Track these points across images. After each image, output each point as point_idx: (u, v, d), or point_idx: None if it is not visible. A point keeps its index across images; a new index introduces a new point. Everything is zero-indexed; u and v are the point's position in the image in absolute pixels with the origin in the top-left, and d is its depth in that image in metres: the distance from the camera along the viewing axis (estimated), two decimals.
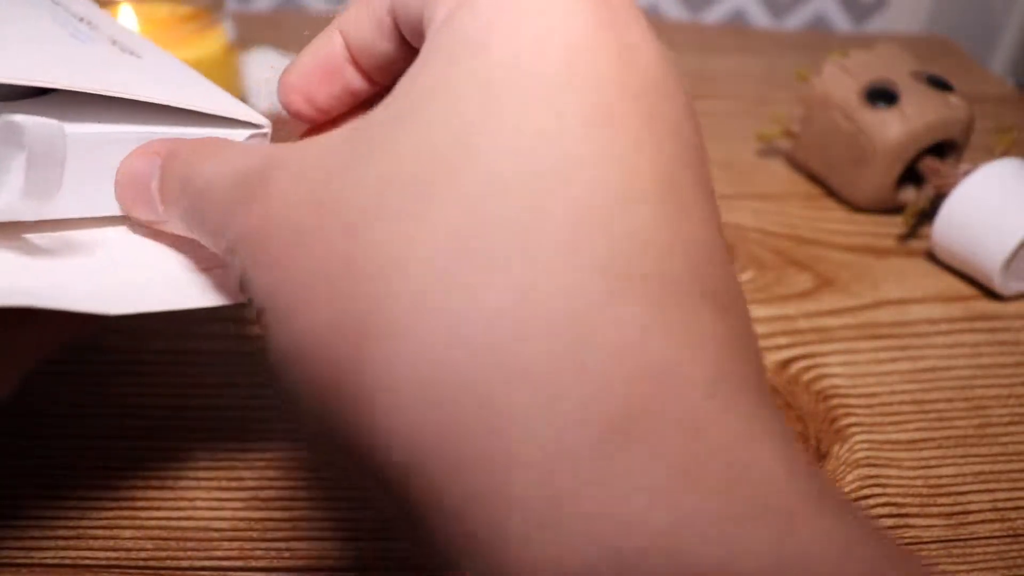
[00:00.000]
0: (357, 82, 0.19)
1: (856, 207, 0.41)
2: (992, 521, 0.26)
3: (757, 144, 0.47)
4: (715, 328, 0.13)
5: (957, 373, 0.32)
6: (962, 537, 0.26)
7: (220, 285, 0.19)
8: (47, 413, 0.27)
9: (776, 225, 0.40)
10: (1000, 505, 0.27)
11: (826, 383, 0.31)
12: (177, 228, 0.19)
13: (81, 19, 0.23)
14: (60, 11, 0.23)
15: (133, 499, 0.25)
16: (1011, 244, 0.34)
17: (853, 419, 0.29)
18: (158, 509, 0.24)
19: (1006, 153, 0.37)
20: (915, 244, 0.39)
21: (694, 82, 0.55)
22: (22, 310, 0.16)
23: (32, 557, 0.23)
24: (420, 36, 0.16)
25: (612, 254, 0.13)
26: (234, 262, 0.16)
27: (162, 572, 0.23)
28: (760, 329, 0.33)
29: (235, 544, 0.24)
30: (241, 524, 0.24)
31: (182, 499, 0.25)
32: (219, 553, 0.23)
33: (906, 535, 0.26)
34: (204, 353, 0.30)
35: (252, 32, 0.58)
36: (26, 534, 0.23)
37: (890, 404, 0.30)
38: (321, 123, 0.20)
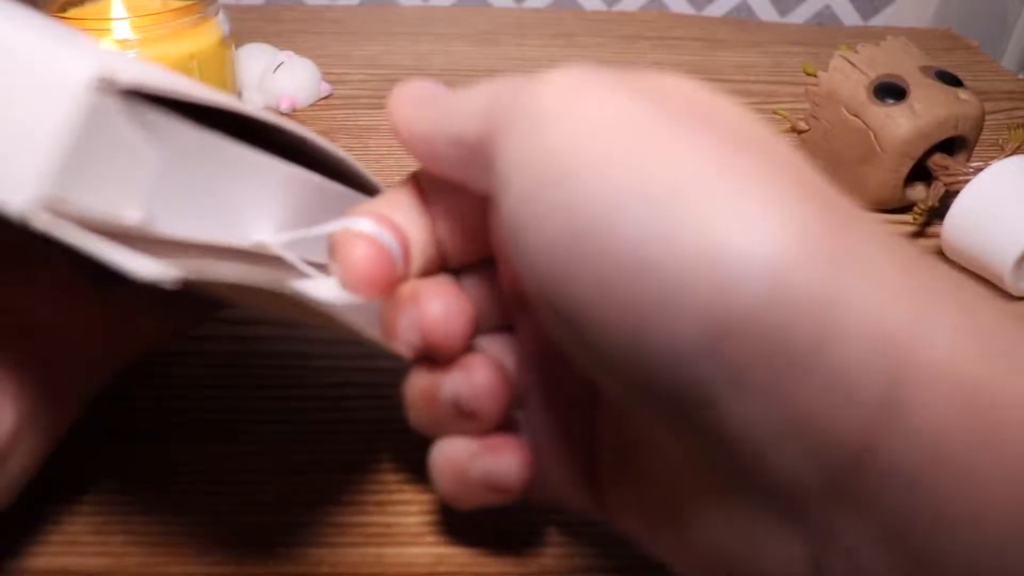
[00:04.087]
0: None
1: (864, 205, 0.40)
2: None
3: None
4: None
5: None
6: None
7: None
8: None
9: None
10: None
11: None
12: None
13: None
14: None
15: (124, 504, 0.24)
16: (1023, 243, 0.33)
17: None
18: (148, 514, 0.24)
19: (1018, 150, 0.37)
20: (924, 243, 0.38)
21: (699, 76, 0.54)
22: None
23: (22, 564, 0.22)
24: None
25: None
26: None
27: None
28: None
29: (228, 549, 0.23)
30: (234, 529, 0.24)
31: (173, 504, 0.24)
32: (211, 559, 0.23)
33: None
34: (197, 354, 0.29)
35: (246, 26, 0.57)
36: (15, 540, 0.23)
37: None
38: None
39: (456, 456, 0.21)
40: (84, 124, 0.14)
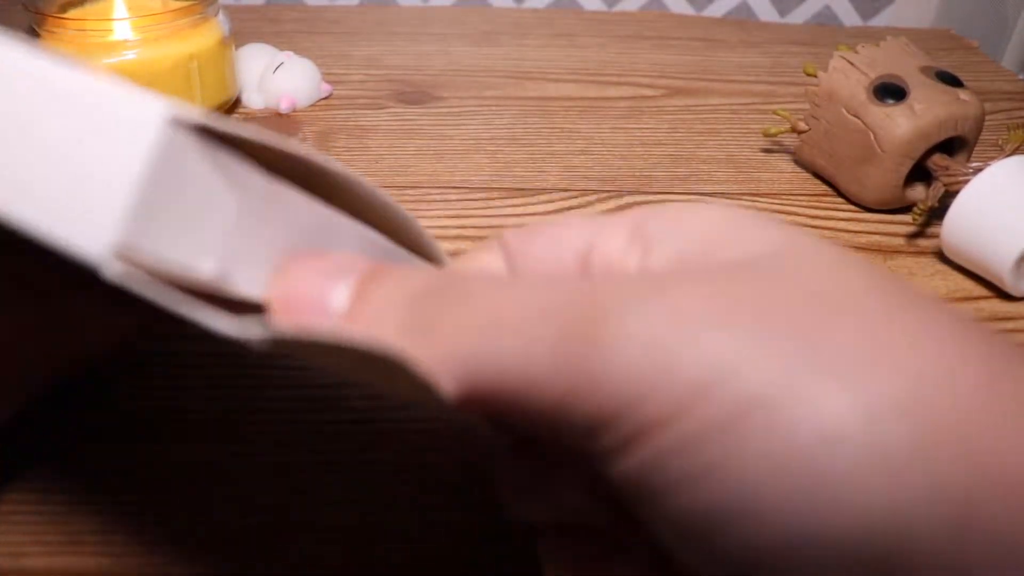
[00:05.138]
0: None
1: (864, 205, 0.40)
2: None
3: (762, 141, 0.46)
4: None
5: None
6: None
7: None
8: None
9: None
10: None
11: None
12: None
13: None
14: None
15: (124, 504, 0.24)
16: (1023, 243, 0.33)
17: None
18: (148, 514, 0.24)
19: (1018, 150, 0.37)
20: (924, 243, 0.38)
21: (699, 77, 0.54)
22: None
23: (21, 564, 0.22)
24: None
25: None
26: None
27: None
28: None
29: (227, 549, 0.23)
30: (233, 529, 0.24)
31: (173, 504, 0.24)
32: (211, 559, 0.23)
33: None
34: (196, 354, 0.29)
35: (246, 26, 0.57)
36: (15, 539, 0.23)
37: None
38: None
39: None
40: (159, 160, 0.13)
